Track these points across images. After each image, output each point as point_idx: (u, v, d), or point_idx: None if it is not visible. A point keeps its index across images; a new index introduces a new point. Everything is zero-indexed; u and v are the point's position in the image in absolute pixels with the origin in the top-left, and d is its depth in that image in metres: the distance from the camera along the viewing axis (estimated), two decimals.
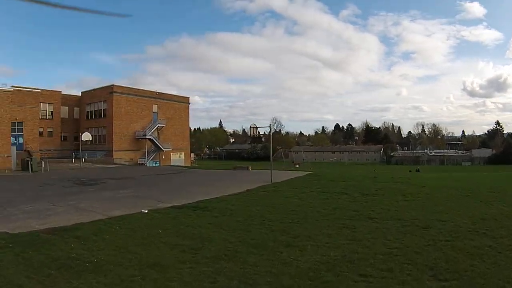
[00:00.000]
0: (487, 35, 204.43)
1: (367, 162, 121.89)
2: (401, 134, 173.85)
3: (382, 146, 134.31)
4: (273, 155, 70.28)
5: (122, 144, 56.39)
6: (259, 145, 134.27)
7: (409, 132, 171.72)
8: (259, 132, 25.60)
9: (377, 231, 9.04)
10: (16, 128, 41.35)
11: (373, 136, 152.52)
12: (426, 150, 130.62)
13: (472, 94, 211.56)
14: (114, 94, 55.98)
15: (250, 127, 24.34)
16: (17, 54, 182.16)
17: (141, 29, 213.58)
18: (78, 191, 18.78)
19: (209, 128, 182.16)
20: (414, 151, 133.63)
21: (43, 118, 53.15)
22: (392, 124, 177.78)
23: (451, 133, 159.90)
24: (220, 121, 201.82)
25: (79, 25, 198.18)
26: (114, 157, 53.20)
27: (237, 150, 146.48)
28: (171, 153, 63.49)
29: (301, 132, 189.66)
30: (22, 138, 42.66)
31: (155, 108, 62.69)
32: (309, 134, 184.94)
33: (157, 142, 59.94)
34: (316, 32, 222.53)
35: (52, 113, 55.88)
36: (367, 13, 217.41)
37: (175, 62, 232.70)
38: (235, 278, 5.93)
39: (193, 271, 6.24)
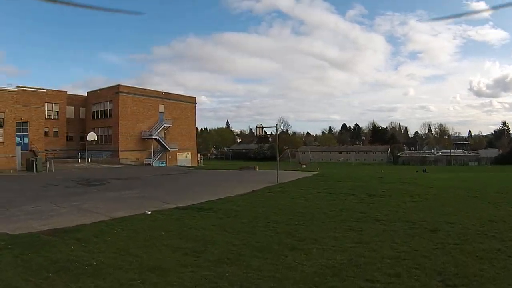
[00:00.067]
0: (493, 34, 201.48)
1: (374, 162, 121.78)
2: (408, 134, 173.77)
3: (389, 146, 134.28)
4: (280, 155, 70.08)
5: (128, 144, 56.47)
6: (266, 145, 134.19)
7: (416, 132, 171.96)
8: (265, 132, 25.45)
9: (384, 234, 8.85)
10: (21, 128, 41.64)
11: (380, 136, 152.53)
12: (433, 150, 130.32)
13: (478, 94, 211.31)
14: (120, 94, 56.10)
15: (256, 127, 24.21)
16: (23, 54, 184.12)
17: (148, 29, 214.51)
18: (82, 191, 18.77)
19: (216, 128, 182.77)
20: (421, 151, 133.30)
21: (49, 118, 53.42)
22: (399, 124, 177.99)
23: (457, 133, 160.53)
24: (227, 121, 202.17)
25: (86, 25, 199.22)
26: (120, 157, 53.29)
27: (244, 150, 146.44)
28: (177, 153, 63.50)
29: (308, 132, 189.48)
30: (27, 138, 42.81)
31: (161, 108, 62.72)
32: (316, 134, 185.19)
33: (163, 142, 59.95)
34: (322, 32, 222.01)
35: (57, 113, 56.13)
36: (374, 13, 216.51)
37: (182, 62, 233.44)
38: (237, 283, 5.77)
39: (195, 275, 6.09)
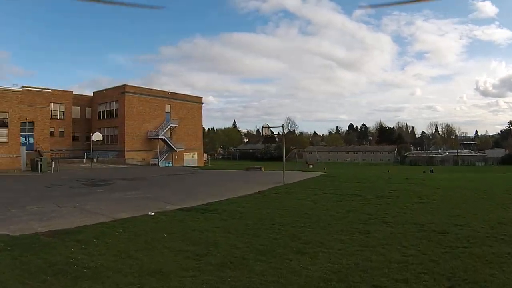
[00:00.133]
0: (500, 34, 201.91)
1: (381, 162, 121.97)
2: (414, 134, 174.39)
3: (396, 146, 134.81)
4: (287, 155, 70.02)
5: (134, 144, 56.64)
6: (273, 145, 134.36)
7: (423, 132, 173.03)
8: (272, 132, 25.30)
9: (391, 237, 8.64)
10: (27, 128, 41.76)
11: (387, 136, 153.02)
12: (439, 150, 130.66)
13: (485, 93, 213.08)
14: (126, 94, 56.32)
15: (263, 127, 24.07)
16: (30, 55, 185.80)
17: (155, 30, 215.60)
18: (86, 192, 18.72)
19: (223, 128, 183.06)
20: (428, 151, 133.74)
21: (55, 118, 53.78)
22: (406, 124, 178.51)
23: (464, 133, 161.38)
24: (234, 121, 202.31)
25: (93, 26, 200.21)
26: (126, 157, 53.47)
27: (251, 150, 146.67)
28: (184, 153, 63.65)
29: (315, 132, 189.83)
30: (33, 138, 42.90)
31: (167, 108, 62.92)
32: (323, 134, 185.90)
33: (169, 142, 60.09)
34: (330, 32, 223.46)
35: (63, 113, 56.53)
36: (381, 13, 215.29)
37: (189, 63, 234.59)
38: None
39: (196, 280, 5.92)
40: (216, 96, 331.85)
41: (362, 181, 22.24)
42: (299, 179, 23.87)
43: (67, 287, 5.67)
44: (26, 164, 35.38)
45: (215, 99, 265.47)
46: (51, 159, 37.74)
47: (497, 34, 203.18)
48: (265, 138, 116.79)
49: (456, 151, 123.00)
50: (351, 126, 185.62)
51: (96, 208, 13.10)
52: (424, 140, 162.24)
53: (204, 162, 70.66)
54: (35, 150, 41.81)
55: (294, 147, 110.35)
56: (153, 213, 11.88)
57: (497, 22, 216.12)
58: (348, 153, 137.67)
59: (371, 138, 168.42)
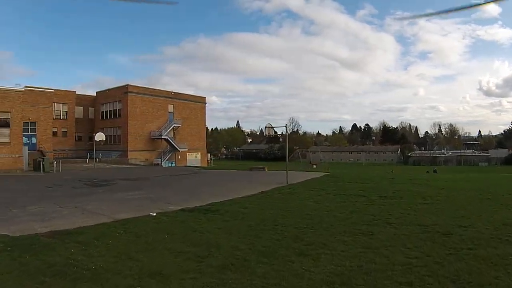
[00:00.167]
0: (502, 34, 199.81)
1: (385, 162, 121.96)
2: (418, 134, 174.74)
3: (399, 146, 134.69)
4: (290, 155, 69.87)
5: (137, 144, 56.66)
6: (276, 145, 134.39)
7: (426, 132, 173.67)
8: (275, 132, 25.16)
9: (395, 238, 8.54)
10: (29, 128, 41.87)
11: (390, 136, 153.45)
12: (443, 150, 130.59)
13: (488, 93, 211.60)
14: (129, 94, 56.39)
15: (266, 127, 23.91)
16: (33, 56, 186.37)
17: (158, 30, 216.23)
18: (87, 192, 18.69)
19: (226, 128, 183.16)
20: (431, 151, 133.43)
21: (57, 118, 53.94)
22: (409, 124, 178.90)
23: (467, 133, 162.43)
24: (238, 121, 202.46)
25: (96, 26, 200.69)
26: (129, 157, 53.49)
27: (254, 150, 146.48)
28: (187, 153, 63.65)
29: (318, 132, 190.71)
30: (35, 138, 42.96)
31: (170, 108, 62.94)
32: (326, 134, 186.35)
33: (172, 142, 60.12)
34: (333, 32, 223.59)
35: (66, 113, 56.69)
36: (384, 13, 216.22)
37: (192, 63, 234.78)
38: None
39: (196, 282, 5.84)
40: (220, 96, 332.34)
41: (366, 182, 22.16)
42: (303, 179, 23.77)
43: None
44: (29, 164, 35.39)
45: (218, 99, 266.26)
46: (53, 159, 37.82)
47: (500, 34, 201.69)
48: (269, 138, 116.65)
49: (459, 151, 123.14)
50: (354, 126, 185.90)
51: (98, 209, 13.06)
52: (427, 140, 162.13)
53: (207, 162, 70.67)
54: (38, 150, 41.91)
55: (297, 147, 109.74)
56: (154, 214, 11.83)
57: (500, 22, 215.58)
58: (351, 153, 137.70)
59: (374, 138, 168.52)
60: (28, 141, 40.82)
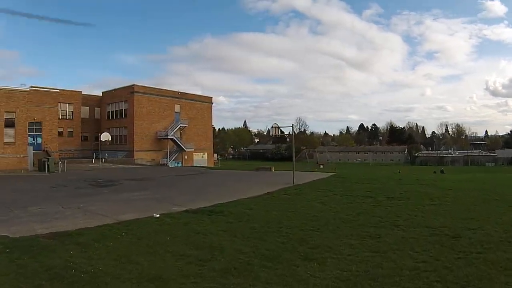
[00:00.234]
0: (509, 33, 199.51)
1: (392, 162, 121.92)
2: (425, 134, 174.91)
3: (406, 146, 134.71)
4: (297, 156, 69.43)
5: (144, 144, 56.70)
6: (283, 145, 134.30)
7: (433, 132, 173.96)
8: (282, 132, 24.98)
9: (403, 241, 8.33)
10: (35, 128, 42.11)
11: (398, 136, 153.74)
12: (450, 151, 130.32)
13: (494, 93, 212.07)
14: (135, 94, 56.44)
15: (272, 126, 23.70)
16: (40, 56, 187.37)
17: (165, 30, 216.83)
18: (91, 192, 18.65)
19: (233, 128, 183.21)
20: (438, 152, 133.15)
21: (63, 118, 54.16)
22: (416, 124, 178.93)
23: (474, 133, 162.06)
24: (245, 121, 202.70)
25: (103, 26, 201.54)
26: (135, 157, 53.53)
27: (261, 150, 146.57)
28: (193, 153, 63.65)
29: (325, 132, 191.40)
30: (41, 138, 43.08)
31: (177, 108, 62.92)
32: (333, 134, 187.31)
33: (179, 142, 60.11)
34: (339, 32, 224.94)
35: (72, 113, 56.85)
36: (390, 13, 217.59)
37: (199, 63, 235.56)
38: None
39: (196, 287, 5.68)
40: (227, 96, 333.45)
41: (373, 182, 21.96)
42: (309, 179, 23.55)
43: None
44: (34, 164, 35.57)
45: (226, 99, 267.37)
46: (59, 159, 37.92)
47: (506, 33, 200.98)
48: (276, 138, 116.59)
49: (466, 151, 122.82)
50: (361, 126, 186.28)
51: (101, 210, 12.96)
52: (434, 140, 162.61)
53: (214, 162, 70.61)
54: (43, 150, 42.03)
55: (304, 147, 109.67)
56: (157, 215, 11.65)
57: (506, 22, 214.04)
58: (358, 153, 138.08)
59: (381, 138, 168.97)
60: (33, 141, 41.00)
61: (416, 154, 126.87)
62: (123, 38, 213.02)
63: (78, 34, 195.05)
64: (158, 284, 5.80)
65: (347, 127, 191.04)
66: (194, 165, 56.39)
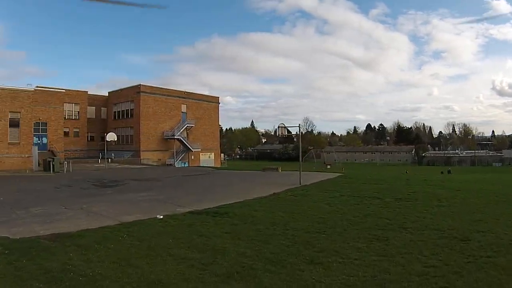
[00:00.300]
0: None
1: (399, 162, 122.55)
2: (432, 134, 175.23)
3: (413, 146, 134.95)
4: (305, 156, 69.05)
5: (150, 145, 56.72)
6: (290, 145, 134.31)
7: (440, 132, 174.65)
8: (289, 132, 24.78)
9: (411, 244, 8.11)
10: (40, 128, 42.34)
11: (405, 136, 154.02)
12: (457, 151, 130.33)
13: (501, 93, 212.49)
14: (141, 94, 56.50)
15: (278, 126, 23.48)
16: (47, 56, 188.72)
17: (172, 30, 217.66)
18: (95, 193, 18.61)
19: (240, 128, 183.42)
20: (445, 152, 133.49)
21: (69, 118, 54.45)
22: (423, 124, 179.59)
23: (481, 133, 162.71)
24: (252, 121, 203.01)
25: (111, 26, 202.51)
26: (141, 157, 53.59)
27: (268, 150, 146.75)
28: (200, 154, 63.62)
29: (333, 132, 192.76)
30: (46, 138, 43.17)
31: (184, 108, 62.92)
32: (341, 134, 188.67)
33: (185, 143, 60.08)
34: (346, 32, 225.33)
35: (78, 113, 57.08)
36: (397, 12, 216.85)
37: (206, 63, 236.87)
38: None
39: None
40: (234, 96, 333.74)
41: (380, 183, 21.85)
42: (316, 180, 23.39)
43: None
44: (39, 164, 35.67)
45: (233, 99, 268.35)
46: (65, 159, 38.01)
47: None
48: (283, 138, 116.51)
49: (473, 151, 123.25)
50: (369, 126, 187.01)
51: (104, 210, 12.86)
52: (441, 140, 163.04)
53: (221, 162, 70.55)
54: (49, 150, 42.12)
55: (312, 147, 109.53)
56: (161, 217, 11.52)
57: None
58: (366, 153, 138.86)
59: (388, 138, 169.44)
60: (38, 141, 41.15)
61: (423, 154, 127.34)
62: (130, 38, 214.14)
63: (85, 34, 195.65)
64: None
65: (354, 127, 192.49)
66: (201, 165, 56.39)
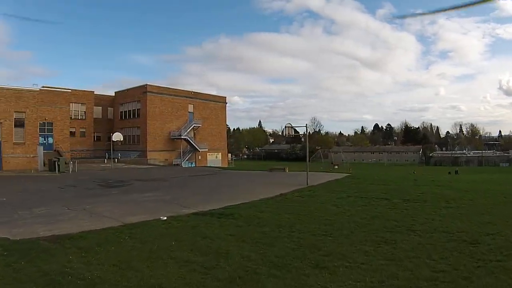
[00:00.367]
0: None
1: (406, 162, 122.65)
2: (439, 134, 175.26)
3: (421, 146, 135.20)
4: (312, 156, 68.81)
5: (157, 145, 56.79)
6: (298, 145, 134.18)
7: (447, 132, 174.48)
8: (296, 132, 24.64)
9: (420, 248, 7.89)
10: (46, 128, 42.53)
11: (412, 136, 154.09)
12: (464, 151, 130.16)
13: (508, 93, 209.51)
14: (148, 93, 56.60)
15: (285, 126, 23.33)
16: (55, 56, 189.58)
17: (179, 30, 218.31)
18: (100, 193, 18.56)
19: (248, 128, 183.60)
20: (453, 152, 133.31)
21: (76, 118, 54.71)
22: (431, 124, 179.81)
23: (488, 133, 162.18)
24: (260, 121, 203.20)
25: (118, 27, 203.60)
26: (148, 157, 53.67)
27: (276, 150, 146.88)
28: (207, 154, 63.71)
29: (340, 132, 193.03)
30: (52, 138, 43.28)
31: (190, 108, 62.98)
32: (348, 134, 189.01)
33: (192, 143, 60.10)
34: (353, 32, 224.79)
35: (84, 113, 57.27)
36: (403, 12, 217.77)
37: (214, 63, 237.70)
38: None
39: None
40: (242, 96, 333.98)
41: (388, 183, 21.68)
42: (324, 180, 23.24)
43: None
44: (44, 164, 35.75)
45: (240, 99, 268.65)
46: (71, 159, 38.05)
47: None
48: (291, 138, 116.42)
49: (480, 151, 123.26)
50: (376, 126, 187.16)
51: (107, 211, 12.76)
52: (448, 140, 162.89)
53: (228, 163, 70.54)
54: (55, 150, 42.25)
55: (319, 147, 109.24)
56: (165, 218, 11.37)
57: None
58: (373, 153, 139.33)
59: (396, 138, 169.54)
60: (44, 141, 41.26)
61: (430, 154, 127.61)
62: (137, 38, 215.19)
63: (92, 35, 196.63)
64: None
65: (362, 127, 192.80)
66: (208, 165, 56.38)
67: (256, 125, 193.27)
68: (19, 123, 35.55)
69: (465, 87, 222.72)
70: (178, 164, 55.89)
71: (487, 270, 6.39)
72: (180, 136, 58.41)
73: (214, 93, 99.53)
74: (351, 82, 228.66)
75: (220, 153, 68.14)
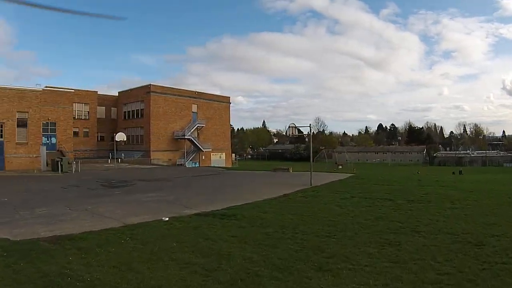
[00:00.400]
0: None
1: (410, 162, 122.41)
2: (443, 134, 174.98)
3: (425, 146, 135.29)
4: (316, 156, 68.68)
5: (160, 145, 56.76)
6: (302, 145, 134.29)
7: (451, 132, 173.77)
8: (300, 131, 24.61)
9: (424, 250, 7.79)
10: (49, 128, 42.68)
11: (416, 136, 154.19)
12: (468, 151, 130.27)
13: (511, 93, 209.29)
14: (151, 93, 56.60)
15: (289, 126, 23.32)
16: (59, 56, 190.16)
17: (182, 30, 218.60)
18: (102, 193, 18.54)
19: (252, 128, 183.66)
20: (456, 152, 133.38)
21: (79, 118, 54.84)
22: (435, 124, 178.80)
23: (492, 133, 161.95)
24: (264, 121, 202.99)
25: (122, 27, 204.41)
26: (151, 157, 53.64)
27: (280, 150, 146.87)
28: (211, 154, 63.66)
29: (344, 132, 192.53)
30: (55, 138, 43.36)
31: (194, 108, 62.92)
32: (352, 134, 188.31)
33: (196, 143, 60.02)
34: (357, 31, 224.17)
35: (88, 113, 57.36)
36: (407, 12, 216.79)
37: (217, 63, 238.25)
38: None
39: None
40: (246, 96, 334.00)
41: (392, 184, 21.64)
42: (327, 181, 23.20)
43: None
44: (47, 164, 35.84)
45: (244, 99, 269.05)
46: (74, 159, 38.09)
47: None
48: (295, 138, 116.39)
49: (484, 151, 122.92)
50: (380, 126, 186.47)
51: (109, 212, 12.72)
52: (452, 140, 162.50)
53: (232, 163, 70.48)
54: (58, 150, 42.36)
55: (323, 147, 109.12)
56: (167, 219, 11.31)
57: None
58: (377, 153, 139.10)
59: (400, 138, 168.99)
60: (47, 141, 41.38)
61: (434, 155, 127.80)
62: (140, 38, 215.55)
63: (95, 35, 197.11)
64: None
65: (366, 127, 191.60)
66: (212, 165, 56.31)
67: (260, 125, 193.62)
68: (22, 123, 35.57)
69: (469, 87, 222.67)
70: (181, 164, 55.86)
71: (493, 273, 6.31)
72: (184, 136, 58.35)
73: (217, 93, 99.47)
74: (355, 82, 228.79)
75: (224, 153, 68.05)
